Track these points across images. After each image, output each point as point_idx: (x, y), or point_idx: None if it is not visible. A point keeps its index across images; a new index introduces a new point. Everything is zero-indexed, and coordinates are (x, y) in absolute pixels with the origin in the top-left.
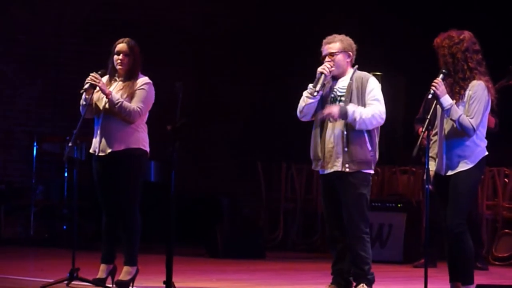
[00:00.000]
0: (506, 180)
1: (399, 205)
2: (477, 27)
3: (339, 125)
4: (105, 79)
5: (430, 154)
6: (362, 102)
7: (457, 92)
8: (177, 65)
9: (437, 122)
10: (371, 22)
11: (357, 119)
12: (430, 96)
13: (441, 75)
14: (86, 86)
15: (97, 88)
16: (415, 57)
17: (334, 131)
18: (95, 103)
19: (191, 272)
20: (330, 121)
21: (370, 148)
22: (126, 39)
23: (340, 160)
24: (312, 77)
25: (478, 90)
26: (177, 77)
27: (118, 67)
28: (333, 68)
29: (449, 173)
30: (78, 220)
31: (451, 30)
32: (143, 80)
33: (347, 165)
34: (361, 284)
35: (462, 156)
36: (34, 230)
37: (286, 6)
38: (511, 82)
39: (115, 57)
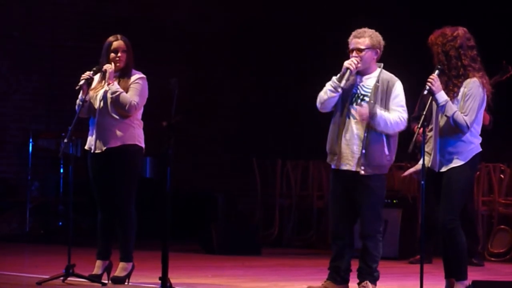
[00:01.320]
0: (501, 176)
1: (394, 201)
2: (471, 22)
3: (360, 125)
4: (97, 77)
5: (426, 150)
6: (385, 106)
7: (451, 90)
8: (172, 61)
9: (433, 118)
10: (370, 20)
11: (382, 123)
12: (425, 92)
13: (436, 71)
14: (82, 82)
15: (93, 86)
16: (412, 54)
17: (354, 130)
18: (90, 102)
19: (187, 268)
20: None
21: (387, 153)
22: (119, 36)
23: (356, 159)
24: (306, 75)
25: (473, 88)
26: (172, 73)
27: (117, 64)
28: (359, 65)
29: (443, 169)
30: (74, 217)
31: (445, 27)
32: (137, 75)
33: (362, 167)
34: (366, 281)
35: (455, 153)
36: (30, 227)
37: (282, 4)
38: (505, 77)
39: (112, 55)
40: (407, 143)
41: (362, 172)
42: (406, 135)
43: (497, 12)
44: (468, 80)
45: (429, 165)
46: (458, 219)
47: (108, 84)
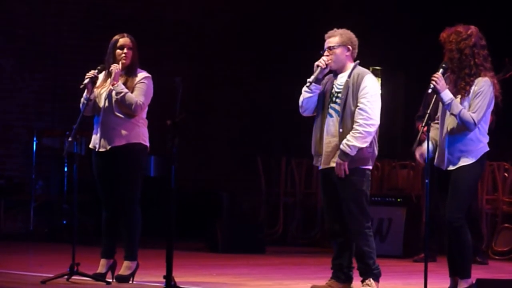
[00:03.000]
0: (506, 174)
1: (398, 200)
2: (475, 20)
3: (336, 122)
4: (102, 75)
5: (431, 135)
6: (355, 99)
7: (462, 88)
8: (177, 59)
9: (439, 115)
10: (370, 18)
11: (353, 151)
12: (430, 90)
13: (441, 70)
14: (86, 81)
15: (97, 84)
16: (415, 53)
17: (330, 128)
18: (95, 100)
19: (191, 266)
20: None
21: (368, 145)
22: (126, 34)
23: (337, 156)
24: (311, 73)
25: (484, 86)
26: (176, 71)
27: (123, 61)
28: (329, 62)
29: (450, 168)
30: (78, 215)
31: (458, 25)
32: (142, 74)
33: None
34: (368, 279)
35: (464, 151)
36: (34, 225)
37: (286, 0)
38: (508, 75)
39: (118, 51)
40: (411, 142)
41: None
42: (410, 133)
43: (499, 10)
44: (480, 78)
45: (435, 163)
46: (464, 217)
47: (113, 85)
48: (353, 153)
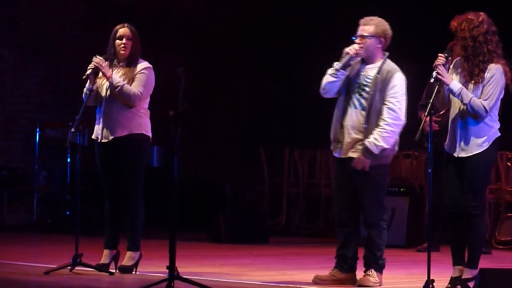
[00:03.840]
0: (508, 164)
1: (402, 190)
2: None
3: (360, 115)
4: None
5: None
6: (384, 96)
7: (476, 75)
8: (180, 50)
9: (449, 102)
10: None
11: (378, 150)
12: (432, 80)
13: (442, 59)
14: (89, 71)
15: (100, 75)
16: (419, 44)
17: (354, 119)
18: (97, 91)
19: (194, 257)
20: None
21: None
22: (126, 24)
23: (358, 148)
24: (313, 64)
25: (497, 73)
26: (178, 62)
27: (121, 52)
28: (360, 51)
29: (462, 154)
30: (81, 206)
31: (468, 13)
32: (143, 64)
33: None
34: (371, 269)
35: (477, 138)
36: (37, 216)
37: None
38: None
39: (118, 41)
40: (414, 131)
41: None
42: (413, 123)
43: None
44: (492, 65)
45: (446, 148)
46: (482, 205)
47: (108, 79)
48: (377, 151)
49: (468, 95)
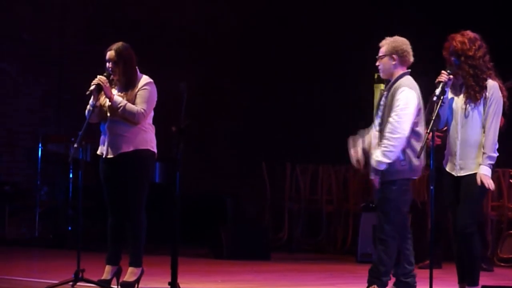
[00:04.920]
0: (511, 181)
1: None
2: (480, 26)
3: (377, 135)
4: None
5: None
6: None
7: (477, 92)
8: (181, 65)
9: (450, 121)
10: (375, 20)
11: (382, 167)
12: (435, 98)
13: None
14: (92, 87)
15: (103, 92)
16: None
17: (373, 140)
18: (101, 107)
19: (196, 273)
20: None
21: (402, 158)
22: (115, 45)
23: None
24: (315, 78)
25: (495, 92)
26: (180, 76)
27: (111, 76)
28: (380, 73)
29: (461, 173)
30: (83, 221)
31: (462, 32)
32: (144, 80)
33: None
34: (373, 285)
35: (477, 157)
36: (39, 231)
37: (290, 5)
38: None
39: (107, 64)
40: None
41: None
42: None
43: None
44: (490, 82)
45: (447, 168)
46: (476, 224)
47: (110, 100)
48: (382, 168)
49: None
